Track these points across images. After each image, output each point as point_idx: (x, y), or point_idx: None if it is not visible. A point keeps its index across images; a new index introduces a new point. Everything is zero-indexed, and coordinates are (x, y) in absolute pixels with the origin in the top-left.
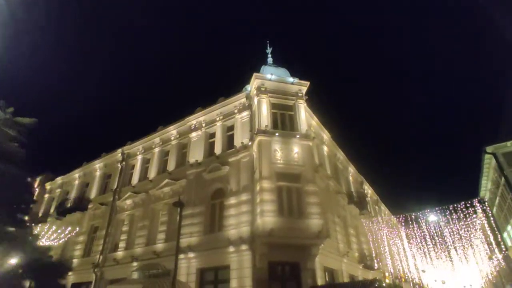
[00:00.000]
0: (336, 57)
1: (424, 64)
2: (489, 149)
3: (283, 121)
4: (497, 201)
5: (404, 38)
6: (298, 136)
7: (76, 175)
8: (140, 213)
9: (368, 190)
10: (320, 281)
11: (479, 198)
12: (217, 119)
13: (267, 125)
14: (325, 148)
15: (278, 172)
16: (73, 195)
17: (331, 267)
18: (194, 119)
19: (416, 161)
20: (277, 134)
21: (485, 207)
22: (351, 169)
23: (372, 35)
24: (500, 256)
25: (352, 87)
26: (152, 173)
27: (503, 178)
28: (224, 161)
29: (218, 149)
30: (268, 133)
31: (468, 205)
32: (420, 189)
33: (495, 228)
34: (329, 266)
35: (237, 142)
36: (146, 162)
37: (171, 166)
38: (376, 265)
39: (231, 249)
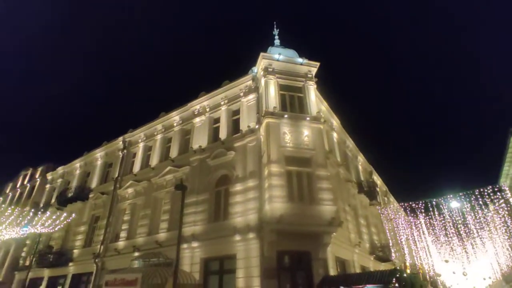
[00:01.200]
0: (345, 41)
1: (440, 42)
2: None
3: (292, 103)
4: None
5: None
6: (308, 119)
7: (77, 165)
8: (142, 202)
9: (377, 180)
10: (332, 272)
11: (498, 186)
12: (222, 103)
13: (275, 106)
14: (335, 135)
15: (288, 156)
16: (74, 184)
17: (343, 258)
18: (197, 104)
19: (433, 150)
20: (286, 116)
21: (505, 195)
22: (361, 158)
23: (382, 19)
24: None
25: (363, 72)
26: (154, 161)
27: None
28: (229, 146)
29: (223, 134)
30: (277, 115)
31: (484, 192)
32: (436, 177)
33: None
34: (340, 257)
35: (243, 126)
36: (148, 150)
37: (174, 153)
38: (389, 256)
39: (238, 237)
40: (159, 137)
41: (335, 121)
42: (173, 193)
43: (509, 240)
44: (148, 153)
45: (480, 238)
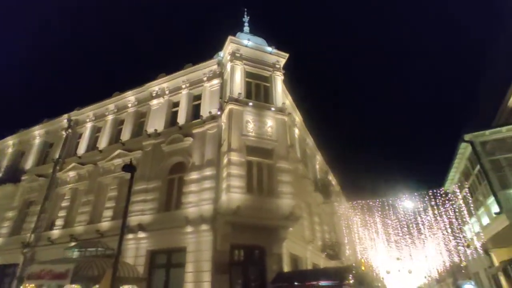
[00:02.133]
0: (316, 38)
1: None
2: (467, 137)
3: (258, 92)
4: (463, 193)
5: (385, 20)
6: (273, 109)
7: (9, 142)
8: (85, 187)
9: (332, 180)
10: (286, 268)
11: (442, 189)
12: (183, 86)
13: (240, 92)
14: (296, 131)
15: (249, 146)
16: (4, 164)
17: (296, 254)
18: (156, 86)
19: (389, 153)
20: (250, 104)
21: (449, 199)
22: (318, 157)
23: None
24: (463, 249)
25: (331, 71)
26: (102, 143)
27: (476, 168)
28: (187, 132)
29: (181, 119)
30: (241, 102)
31: (431, 195)
32: (390, 180)
33: (458, 220)
34: (294, 253)
35: (204, 112)
36: (96, 131)
37: (125, 136)
38: (339, 255)
39: (189, 229)
40: (110, 118)
41: (298, 117)
42: (121, 179)
43: (447, 242)
44: (96, 134)
45: (423, 239)
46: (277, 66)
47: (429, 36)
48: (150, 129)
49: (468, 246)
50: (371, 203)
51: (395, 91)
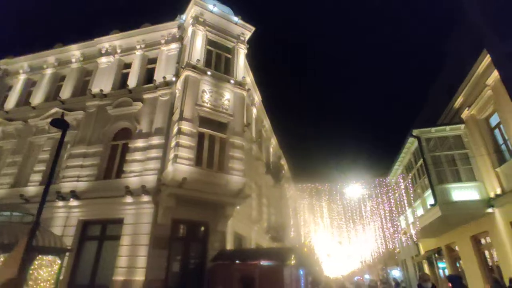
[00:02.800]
0: (285, 17)
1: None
2: (415, 132)
3: (218, 63)
4: (405, 184)
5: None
6: (232, 82)
7: None
8: (12, 146)
9: (284, 166)
10: (229, 247)
11: (388, 180)
12: (137, 47)
13: (199, 59)
14: (254, 111)
15: (203, 117)
16: None
17: (241, 233)
18: (106, 42)
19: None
20: (209, 73)
21: (391, 189)
22: (273, 141)
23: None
24: (398, 237)
25: (295, 55)
26: (37, 99)
27: (419, 162)
28: (137, 97)
29: (132, 82)
30: (199, 70)
31: (377, 183)
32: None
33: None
34: (239, 232)
35: (158, 77)
36: (31, 85)
37: (66, 93)
38: (283, 237)
39: (129, 199)
40: (49, 71)
41: (257, 97)
42: (56, 141)
43: (385, 230)
44: (30, 88)
45: (365, 225)
46: (242, 38)
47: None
48: (95, 89)
49: (404, 234)
50: (319, 186)
51: (354, 83)
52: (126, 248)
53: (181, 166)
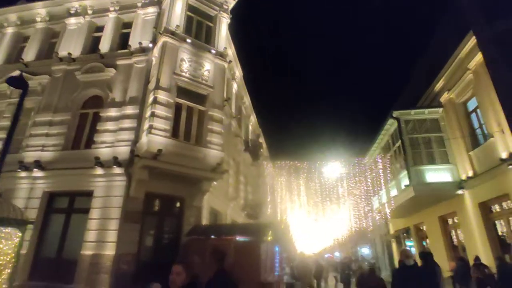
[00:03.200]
0: None
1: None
2: (395, 113)
3: (199, 31)
4: (383, 164)
5: None
6: (213, 52)
7: None
8: None
9: (263, 144)
10: (204, 222)
11: (366, 160)
12: (111, 9)
13: (178, 25)
14: (235, 86)
15: (181, 87)
16: None
17: (217, 209)
18: (76, 1)
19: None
20: (188, 40)
21: (368, 169)
22: (253, 119)
23: None
24: (371, 216)
25: (282, 31)
26: None
27: (397, 143)
28: (110, 63)
29: (104, 47)
30: (178, 37)
31: (357, 163)
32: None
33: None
34: (215, 208)
35: (133, 43)
36: None
37: (29, 56)
38: (259, 215)
39: (99, 171)
40: (10, 31)
41: (238, 72)
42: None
43: (360, 208)
44: None
45: (341, 203)
46: (225, 7)
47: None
48: (62, 52)
49: (379, 212)
50: (298, 164)
51: (338, 64)
52: (95, 222)
53: (156, 138)
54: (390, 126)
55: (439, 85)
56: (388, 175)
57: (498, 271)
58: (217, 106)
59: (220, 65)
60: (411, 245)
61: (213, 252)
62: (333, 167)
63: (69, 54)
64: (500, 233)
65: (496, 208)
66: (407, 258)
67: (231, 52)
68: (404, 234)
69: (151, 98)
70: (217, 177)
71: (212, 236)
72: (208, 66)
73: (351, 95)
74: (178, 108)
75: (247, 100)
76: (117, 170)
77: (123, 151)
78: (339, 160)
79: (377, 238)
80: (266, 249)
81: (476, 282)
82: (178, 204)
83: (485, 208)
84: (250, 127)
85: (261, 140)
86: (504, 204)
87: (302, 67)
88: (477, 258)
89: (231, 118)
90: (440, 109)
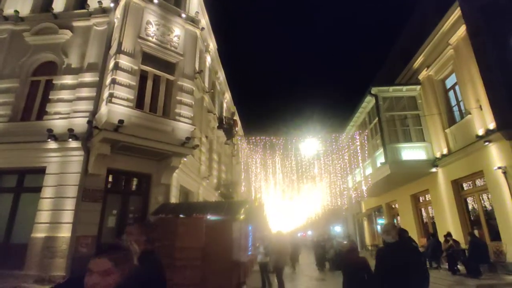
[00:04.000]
0: None
1: None
2: (373, 90)
3: None
4: (360, 141)
5: None
6: (184, 16)
7: None
8: None
9: (238, 122)
10: (174, 201)
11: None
12: None
13: None
14: (209, 59)
15: (147, 53)
16: None
17: (188, 188)
18: None
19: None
20: (155, 1)
21: (344, 147)
22: (227, 96)
23: None
24: (350, 193)
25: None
26: None
27: (374, 120)
28: (65, 24)
29: (58, 6)
30: None
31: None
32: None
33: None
34: (186, 186)
35: (93, 3)
36: None
37: None
38: (232, 194)
39: (53, 145)
40: None
41: (212, 45)
42: None
43: (335, 187)
44: None
45: (317, 181)
46: None
47: None
48: (8, 10)
49: (355, 190)
50: (274, 139)
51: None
52: (48, 202)
53: (117, 107)
54: (368, 103)
55: (418, 61)
56: (365, 153)
57: (471, 246)
58: (187, 76)
59: (191, 32)
60: (382, 223)
61: (185, 233)
62: (310, 144)
63: (16, 12)
64: (470, 210)
65: (469, 185)
66: (388, 234)
67: (204, 21)
68: (376, 212)
69: (112, 64)
70: (187, 152)
71: (181, 215)
72: (177, 32)
73: (329, 72)
74: (143, 76)
75: (221, 75)
76: (73, 144)
77: (80, 123)
78: (316, 136)
79: (349, 217)
80: (238, 228)
81: (446, 256)
82: (144, 182)
83: (457, 186)
84: (225, 104)
85: (236, 117)
86: (478, 182)
87: (279, 42)
88: (448, 234)
89: (203, 93)
90: (418, 87)
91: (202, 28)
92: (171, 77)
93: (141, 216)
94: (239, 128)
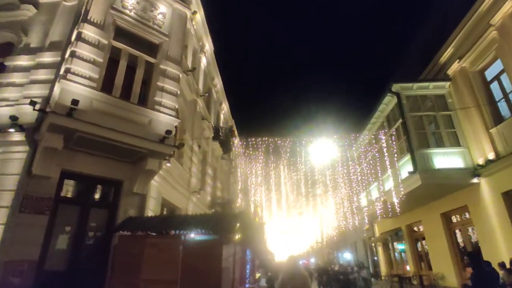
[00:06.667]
0: None
1: None
2: (394, 87)
3: None
4: (370, 156)
5: None
6: None
7: None
8: None
9: (236, 137)
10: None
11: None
12: None
13: None
14: (204, 60)
15: (121, 27)
16: None
17: (174, 203)
18: None
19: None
20: None
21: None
22: (225, 107)
23: None
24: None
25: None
26: None
27: (397, 123)
28: None
29: None
30: None
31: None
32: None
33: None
34: (170, 200)
35: None
36: None
37: None
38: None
39: None
40: None
41: (209, 45)
42: None
43: (350, 204)
44: None
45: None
46: None
47: None
48: None
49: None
50: (279, 142)
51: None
52: None
53: (74, 86)
54: (386, 105)
55: (446, 54)
56: (386, 162)
57: None
58: (173, 60)
59: (180, 12)
60: (402, 249)
61: (157, 257)
62: (315, 153)
63: None
64: None
65: None
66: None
67: (199, 16)
68: (393, 236)
69: (74, 34)
70: (167, 151)
71: (152, 233)
72: (163, 9)
73: (341, 71)
74: (115, 54)
75: (218, 82)
76: (15, 136)
77: (29, 111)
78: (320, 145)
79: (359, 241)
80: (231, 252)
81: None
82: (112, 190)
83: (510, 199)
84: (222, 116)
85: (234, 130)
86: None
87: (286, 36)
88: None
89: (197, 96)
90: (447, 83)
91: (194, 11)
92: (152, 59)
93: (104, 235)
94: (237, 144)
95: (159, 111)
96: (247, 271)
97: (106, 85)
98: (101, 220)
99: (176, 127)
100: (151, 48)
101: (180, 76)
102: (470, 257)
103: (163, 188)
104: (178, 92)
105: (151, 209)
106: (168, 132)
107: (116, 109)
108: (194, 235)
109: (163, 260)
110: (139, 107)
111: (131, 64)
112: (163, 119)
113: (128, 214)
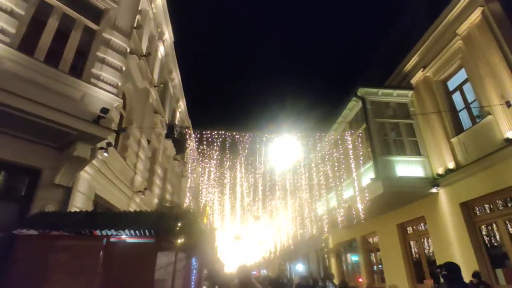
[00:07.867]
0: None
1: None
2: (360, 92)
3: None
4: (333, 159)
5: None
6: None
7: None
8: None
9: (191, 138)
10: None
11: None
12: None
13: None
14: (161, 49)
15: None
16: None
17: (111, 202)
18: None
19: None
20: None
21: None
22: (182, 105)
23: None
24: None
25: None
26: None
27: (360, 129)
28: None
29: None
30: None
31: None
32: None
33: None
34: (106, 198)
35: None
36: None
37: None
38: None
39: None
40: None
41: (168, 34)
42: None
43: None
44: None
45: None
46: None
47: None
48: None
49: (324, 218)
50: (237, 136)
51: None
52: None
53: None
54: (350, 110)
55: (411, 62)
56: (349, 168)
57: None
58: (120, 30)
59: None
60: (356, 260)
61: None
62: (274, 153)
63: None
64: (486, 241)
65: (485, 208)
66: None
67: (160, 1)
68: (347, 247)
69: None
70: (102, 134)
71: (64, 232)
72: None
73: (306, 72)
74: (43, 8)
75: (176, 77)
76: None
77: None
78: (279, 146)
79: (311, 252)
80: (170, 260)
81: None
82: (26, 180)
83: (468, 210)
84: (178, 115)
85: (191, 132)
86: (500, 203)
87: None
88: (475, 274)
89: (150, 85)
90: (410, 92)
91: None
92: (94, 26)
93: (9, 235)
94: (193, 147)
95: (96, 85)
96: (192, 283)
97: (27, 44)
98: (7, 218)
99: (122, 115)
100: (95, 13)
101: (128, 50)
102: (448, 269)
103: (97, 183)
104: (124, 68)
105: (78, 206)
106: (104, 110)
107: (37, 75)
108: (125, 237)
109: (77, 269)
110: (69, 77)
111: (65, 28)
112: (101, 96)
113: (41, 207)
